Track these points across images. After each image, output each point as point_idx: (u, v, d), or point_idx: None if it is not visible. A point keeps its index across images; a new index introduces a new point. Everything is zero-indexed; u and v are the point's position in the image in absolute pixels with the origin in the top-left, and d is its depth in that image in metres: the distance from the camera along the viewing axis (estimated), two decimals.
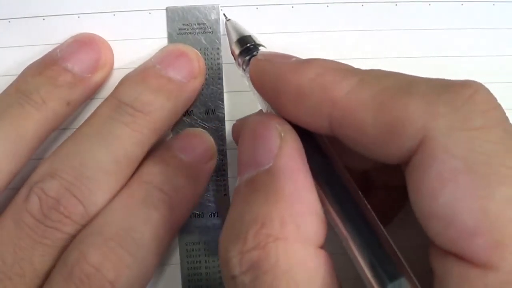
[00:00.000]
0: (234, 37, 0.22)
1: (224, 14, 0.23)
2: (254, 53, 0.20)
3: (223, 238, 0.16)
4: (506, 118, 0.15)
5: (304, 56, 0.24)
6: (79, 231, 0.20)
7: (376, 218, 0.16)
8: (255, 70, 0.18)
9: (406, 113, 0.15)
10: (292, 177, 0.16)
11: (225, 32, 0.23)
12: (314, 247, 0.16)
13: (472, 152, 0.14)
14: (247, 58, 0.20)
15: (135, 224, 0.20)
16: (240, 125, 0.22)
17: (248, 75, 0.19)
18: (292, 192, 0.16)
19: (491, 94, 0.15)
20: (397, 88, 0.15)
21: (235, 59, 0.21)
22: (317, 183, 0.17)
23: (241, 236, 0.16)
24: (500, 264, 0.13)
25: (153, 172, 0.21)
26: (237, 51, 0.21)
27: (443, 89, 0.15)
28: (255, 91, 0.19)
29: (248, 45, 0.21)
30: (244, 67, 0.21)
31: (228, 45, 0.23)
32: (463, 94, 0.15)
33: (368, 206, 0.16)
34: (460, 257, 0.14)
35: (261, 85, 0.18)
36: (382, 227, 0.16)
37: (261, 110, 0.20)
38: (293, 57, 0.18)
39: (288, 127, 0.17)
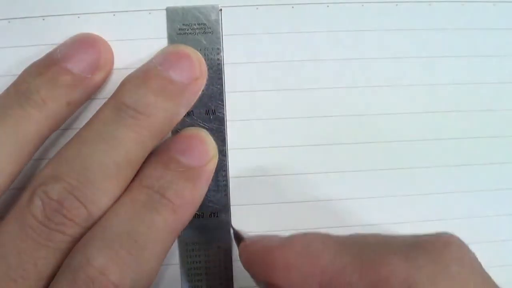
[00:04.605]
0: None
1: (232, 227, 0.24)
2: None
3: None
4: (477, 259, 0.17)
5: (304, 57, 0.24)
6: (82, 234, 0.20)
7: None
8: (244, 254, 0.20)
9: (389, 268, 0.16)
10: None
11: (225, 32, 0.23)
12: None
13: None
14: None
15: (138, 228, 0.20)
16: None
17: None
18: None
19: (462, 241, 0.17)
20: (376, 247, 0.17)
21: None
22: None
23: None
24: None
25: (153, 176, 0.21)
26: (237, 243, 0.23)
27: (419, 244, 0.17)
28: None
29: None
30: None
31: (227, 45, 0.23)
32: (438, 246, 0.17)
33: None
34: None
35: (253, 265, 0.19)
36: None
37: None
38: (276, 236, 0.20)
39: None
